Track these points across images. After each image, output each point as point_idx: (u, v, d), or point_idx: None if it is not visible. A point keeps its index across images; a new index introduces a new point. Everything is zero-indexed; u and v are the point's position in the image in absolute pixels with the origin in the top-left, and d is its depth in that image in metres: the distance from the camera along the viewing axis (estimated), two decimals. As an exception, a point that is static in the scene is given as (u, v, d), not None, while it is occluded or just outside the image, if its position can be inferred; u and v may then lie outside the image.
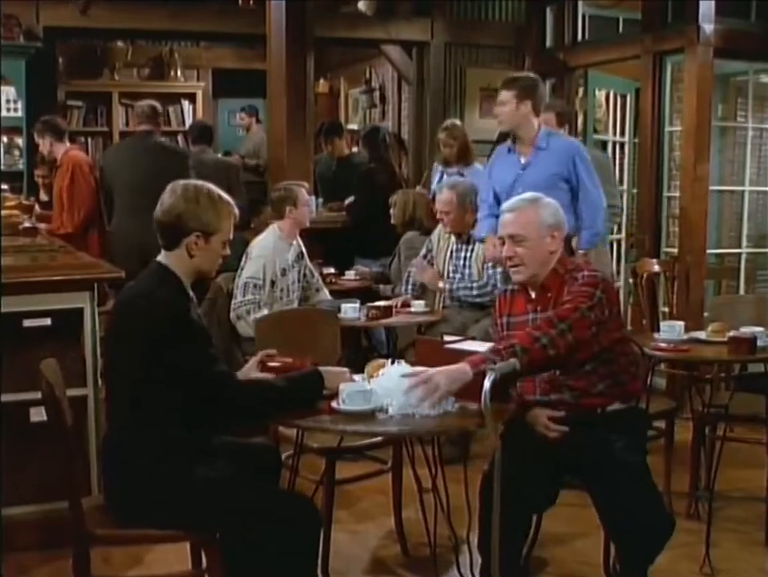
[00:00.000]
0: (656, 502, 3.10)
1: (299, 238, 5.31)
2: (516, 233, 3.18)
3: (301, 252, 5.32)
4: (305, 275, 5.35)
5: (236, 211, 2.90)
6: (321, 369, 2.93)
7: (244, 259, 5.10)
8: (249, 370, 3.12)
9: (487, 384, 2.69)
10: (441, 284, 5.26)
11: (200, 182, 2.91)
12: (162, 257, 2.87)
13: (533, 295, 3.25)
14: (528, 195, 3.32)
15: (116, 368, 2.86)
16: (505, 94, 4.66)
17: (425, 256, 5.49)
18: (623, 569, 3.22)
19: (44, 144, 6.25)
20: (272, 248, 5.09)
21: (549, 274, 3.20)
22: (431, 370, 2.80)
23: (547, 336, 2.93)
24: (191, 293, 2.90)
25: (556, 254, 3.21)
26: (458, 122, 6.46)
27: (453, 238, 5.29)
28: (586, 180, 4.70)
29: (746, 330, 3.99)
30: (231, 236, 2.88)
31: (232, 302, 5.01)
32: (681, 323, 4.00)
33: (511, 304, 3.34)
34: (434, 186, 6.17)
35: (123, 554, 3.65)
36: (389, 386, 2.83)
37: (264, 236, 5.20)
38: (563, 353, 2.95)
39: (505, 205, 3.31)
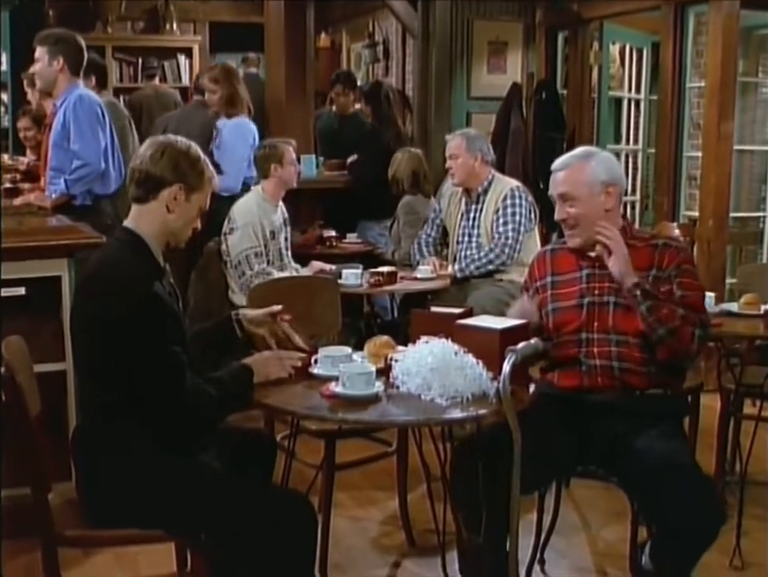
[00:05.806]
0: (706, 491, 2.69)
1: (283, 205, 4.99)
2: (565, 192, 2.97)
3: (286, 219, 5.01)
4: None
5: (217, 181, 2.74)
6: (247, 360, 2.67)
7: (226, 224, 4.80)
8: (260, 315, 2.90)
9: (506, 367, 2.40)
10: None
11: (186, 140, 2.69)
12: (130, 221, 2.61)
13: (592, 254, 3.00)
14: (581, 150, 3.09)
15: (83, 350, 2.55)
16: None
17: (434, 219, 5.18)
18: (661, 569, 2.79)
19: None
20: (256, 212, 4.80)
21: None
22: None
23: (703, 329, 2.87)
24: (161, 261, 2.62)
25: (614, 212, 2.99)
26: (232, 66, 5.86)
27: (463, 200, 4.97)
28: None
29: (783, 302, 3.69)
30: (207, 206, 2.66)
31: (240, 279, 4.72)
32: (712, 294, 3.69)
33: (553, 264, 3.11)
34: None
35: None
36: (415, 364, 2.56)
37: (245, 201, 4.89)
38: None
39: (556, 163, 3.06)
